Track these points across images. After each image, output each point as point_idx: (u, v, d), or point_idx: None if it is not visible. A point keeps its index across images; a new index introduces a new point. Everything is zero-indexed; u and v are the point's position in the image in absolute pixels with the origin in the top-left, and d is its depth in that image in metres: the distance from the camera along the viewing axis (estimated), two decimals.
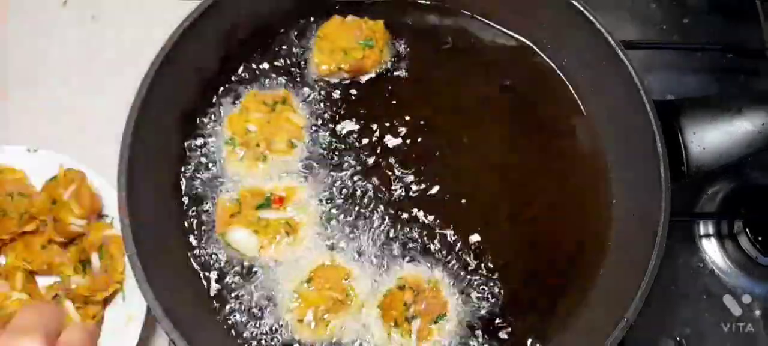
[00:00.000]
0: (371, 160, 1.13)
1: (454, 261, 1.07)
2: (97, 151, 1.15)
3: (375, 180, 1.11)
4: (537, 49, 1.24)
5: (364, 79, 1.18)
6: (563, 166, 1.17)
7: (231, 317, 1.02)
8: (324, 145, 1.13)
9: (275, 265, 1.04)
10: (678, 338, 1.21)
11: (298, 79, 1.17)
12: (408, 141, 1.15)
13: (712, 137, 1.11)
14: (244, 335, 1.01)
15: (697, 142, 1.11)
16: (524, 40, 1.24)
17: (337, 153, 1.13)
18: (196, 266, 1.05)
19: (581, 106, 1.21)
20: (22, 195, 1.17)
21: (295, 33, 1.20)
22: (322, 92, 1.17)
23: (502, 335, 1.04)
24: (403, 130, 1.15)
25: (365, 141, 1.14)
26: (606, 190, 1.15)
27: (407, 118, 1.16)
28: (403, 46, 1.21)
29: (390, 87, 1.18)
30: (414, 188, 1.12)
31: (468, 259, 1.08)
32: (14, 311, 1.11)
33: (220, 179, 1.09)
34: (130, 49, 1.32)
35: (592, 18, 1.11)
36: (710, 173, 1.16)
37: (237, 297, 1.03)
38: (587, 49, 1.14)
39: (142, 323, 1.13)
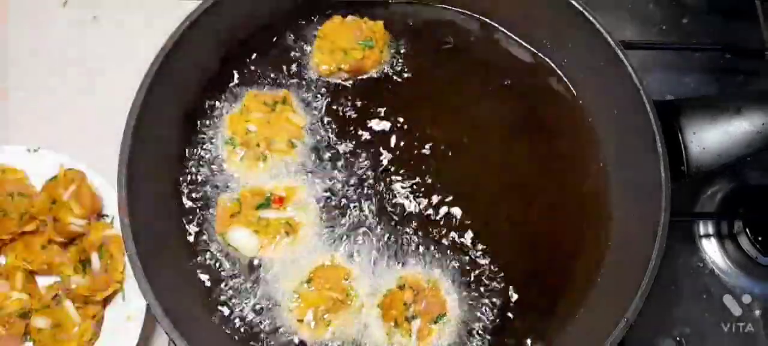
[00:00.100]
0: (371, 161, 1.13)
1: (454, 261, 1.07)
2: (97, 151, 1.15)
3: (375, 180, 1.11)
4: (537, 50, 1.24)
5: (364, 79, 1.18)
6: (563, 166, 1.17)
7: (231, 317, 1.02)
8: (324, 145, 1.13)
9: (275, 265, 1.04)
10: (678, 338, 1.21)
11: (298, 79, 1.17)
12: (408, 141, 1.15)
13: (712, 137, 1.11)
14: (244, 335, 1.01)
15: (697, 143, 1.11)
16: (524, 40, 1.24)
17: (337, 153, 1.13)
18: (196, 266, 1.05)
19: (581, 106, 1.21)
20: (22, 195, 1.17)
21: (295, 33, 1.20)
22: (322, 92, 1.17)
23: (502, 334, 1.04)
24: (403, 130, 1.15)
25: (365, 141, 1.14)
26: (606, 190, 1.15)
27: (407, 118, 1.16)
28: (403, 46, 1.21)
29: (390, 87, 1.19)
30: (414, 188, 1.12)
31: (468, 259, 1.08)
32: (14, 311, 1.11)
33: (220, 178, 1.09)
34: (130, 49, 1.32)
35: (591, 18, 1.12)
36: (710, 173, 1.16)
37: (237, 297, 1.03)
38: (587, 49, 1.15)
39: (142, 323, 1.13)
